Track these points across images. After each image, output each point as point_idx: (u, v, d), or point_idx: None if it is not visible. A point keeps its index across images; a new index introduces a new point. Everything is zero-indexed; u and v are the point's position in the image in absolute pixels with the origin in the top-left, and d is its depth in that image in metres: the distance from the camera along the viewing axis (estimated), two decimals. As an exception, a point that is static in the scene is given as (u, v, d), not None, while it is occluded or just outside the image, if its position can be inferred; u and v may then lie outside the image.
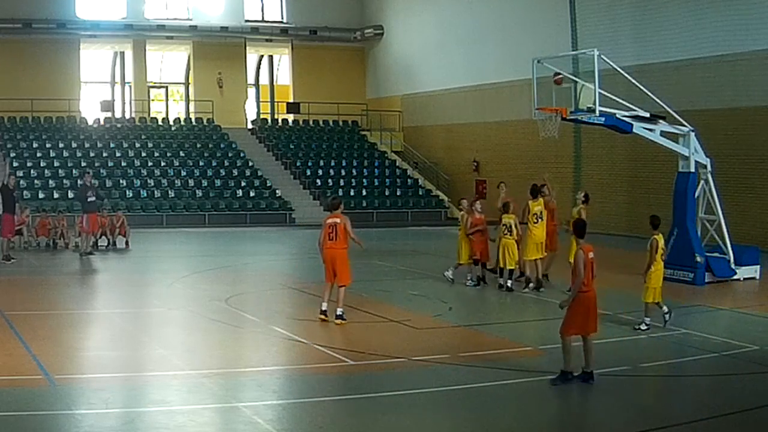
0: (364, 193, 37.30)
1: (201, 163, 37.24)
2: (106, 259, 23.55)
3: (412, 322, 14.56)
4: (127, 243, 25.07)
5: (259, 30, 42.85)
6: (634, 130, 18.92)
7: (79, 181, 26.53)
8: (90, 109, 40.88)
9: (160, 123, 41.31)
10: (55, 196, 32.33)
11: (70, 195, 32.20)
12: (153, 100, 43.83)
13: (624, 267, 22.27)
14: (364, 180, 38.32)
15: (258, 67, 46.49)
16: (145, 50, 41.61)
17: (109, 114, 40.85)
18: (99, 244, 24.33)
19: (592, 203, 31.10)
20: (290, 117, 43.91)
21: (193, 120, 41.95)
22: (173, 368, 11.57)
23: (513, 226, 17.06)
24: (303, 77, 44.03)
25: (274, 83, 46.81)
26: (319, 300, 14.76)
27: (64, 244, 24.54)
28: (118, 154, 36.65)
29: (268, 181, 36.69)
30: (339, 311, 14.02)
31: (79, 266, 21.63)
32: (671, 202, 19.68)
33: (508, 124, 35.13)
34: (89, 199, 23.06)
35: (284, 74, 46.08)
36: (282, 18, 43.78)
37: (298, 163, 38.73)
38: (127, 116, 41.50)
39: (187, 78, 44.20)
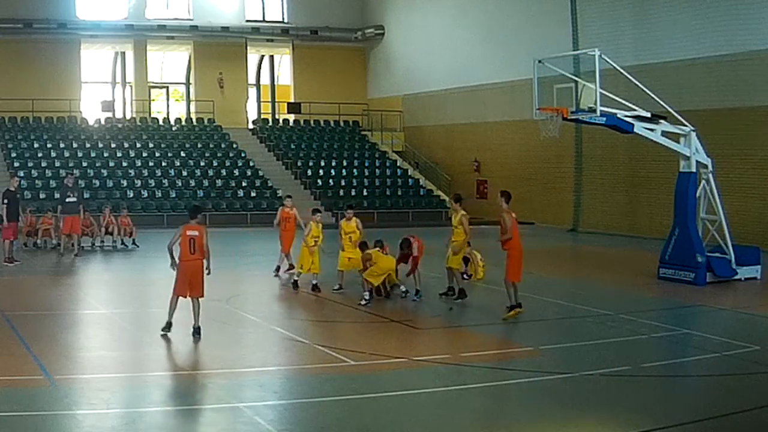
0: (365, 193, 37.30)
1: (202, 164, 37.25)
2: (107, 259, 23.57)
3: (412, 322, 14.56)
4: (134, 242, 25.13)
5: (260, 30, 42.88)
6: (635, 130, 18.92)
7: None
8: (91, 110, 40.94)
9: (160, 123, 41.34)
10: (56, 196, 32.29)
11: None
12: (154, 100, 43.88)
13: (624, 267, 22.32)
14: (365, 180, 38.32)
15: (259, 67, 46.51)
16: (145, 50, 41.66)
17: (109, 114, 40.89)
18: (90, 245, 24.36)
19: (594, 203, 31.43)
20: (291, 117, 43.96)
21: (194, 120, 41.98)
22: (174, 368, 11.57)
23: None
24: (304, 77, 44.07)
25: (275, 83, 46.82)
26: (316, 299, 14.72)
27: (53, 245, 24.50)
28: (118, 155, 36.67)
29: (269, 181, 36.70)
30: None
31: (79, 266, 21.63)
32: (672, 202, 19.66)
33: (509, 124, 35.15)
34: (67, 200, 22.97)
35: (285, 74, 46.12)
36: (283, 18, 43.81)
37: (299, 163, 38.73)
38: (128, 116, 41.52)
39: (187, 78, 44.23)
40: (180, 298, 12.98)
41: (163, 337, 12.83)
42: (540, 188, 33.76)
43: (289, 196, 21.22)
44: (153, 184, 34.96)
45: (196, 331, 12.84)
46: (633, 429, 9.02)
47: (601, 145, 29.96)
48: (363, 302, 15.63)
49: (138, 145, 37.76)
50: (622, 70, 19.21)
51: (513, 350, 12.77)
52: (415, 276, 16.45)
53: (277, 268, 19.44)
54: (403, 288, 16.54)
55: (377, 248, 16.28)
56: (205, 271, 13.04)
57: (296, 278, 17.59)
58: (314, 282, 17.25)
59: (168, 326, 12.96)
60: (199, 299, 12.96)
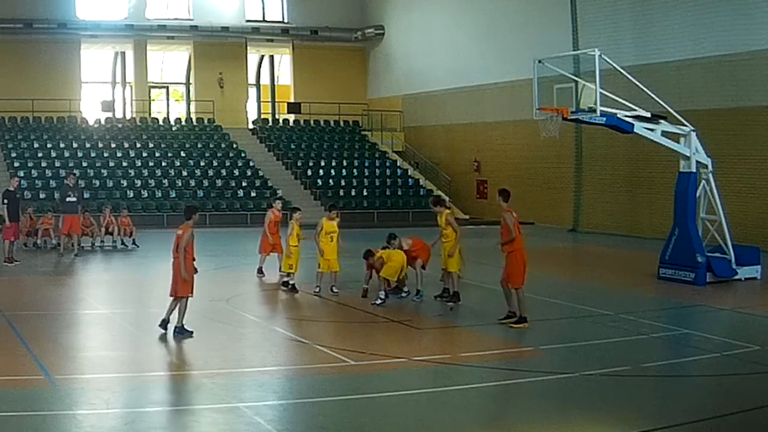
0: (365, 193, 37.30)
1: (202, 164, 37.25)
2: (107, 259, 23.57)
3: (412, 322, 14.56)
4: (134, 242, 25.13)
5: (260, 30, 42.89)
6: (636, 130, 18.92)
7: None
8: (91, 110, 40.93)
9: (160, 123, 41.34)
10: (56, 196, 32.31)
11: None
12: (154, 100, 43.88)
13: (624, 267, 22.33)
14: (365, 180, 38.32)
15: (259, 67, 46.52)
16: (145, 50, 41.66)
17: (109, 114, 40.89)
18: (90, 245, 24.39)
19: (594, 203, 31.42)
20: (291, 117, 43.96)
21: (193, 120, 41.98)
22: (174, 368, 11.57)
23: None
24: (304, 77, 44.06)
25: (275, 83, 46.83)
26: (318, 299, 14.76)
27: (53, 245, 24.52)
28: (118, 155, 36.68)
29: (269, 181, 36.71)
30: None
31: (79, 266, 21.64)
32: (672, 202, 19.67)
33: (509, 124, 35.15)
34: (68, 200, 23.00)
35: (285, 74, 46.13)
36: (283, 18, 43.81)
37: (299, 163, 38.74)
38: (128, 116, 41.52)
39: (187, 78, 44.24)
40: (187, 297, 13.05)
41: (163, 337, 12.83)
42: (540, 188, 33.76)
43: (279, 199, 21.24)
44: (153, 184, 34.97)
45: (174, 330, 12.88)
46: (633, 429, 9.03)
47: (601, 145, 29.96)
48: (378, 302, 15.58)
49: (138, 145, 37.76)
50: (622, 70, 19.21)
51: (513, 350, 12.77)
52: (417, 275, 16.42)
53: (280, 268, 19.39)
54: (382, 295, 16.25)
55: (389, 246, 16.23)
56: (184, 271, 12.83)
57: (291, 281, 17.59)
58: (288, 282, 17.38)
59: (163, 323, 13.02)
60: (181, 298, 12.89)
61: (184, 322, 12.92)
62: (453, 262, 15.89)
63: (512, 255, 13.93)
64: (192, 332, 12.91)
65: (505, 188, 14.70)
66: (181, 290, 12.90)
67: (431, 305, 15.99)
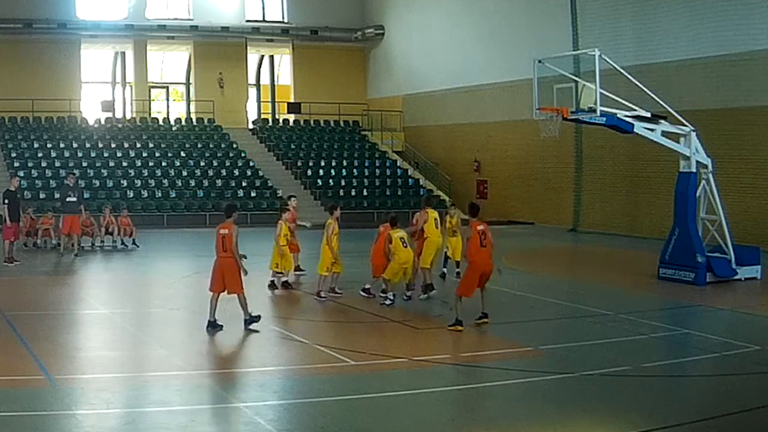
0: (364, 193, 37.30)
1: (202, 163, 37.25)
2: (107, 259, 23.55)
3: (412, 322, 14.56)
4: (134, 242, 25.12)
5: (260, 30, 42.89)
6: (636, 130, 18.92)
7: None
8: (91, 110, 40.93)
9: (160, 123, 41.34)
10: (56, 196, 32.29)
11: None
12: (154, 100, 43.87)
13: (624, 267, 22.33)
14: (365, 180, 38.32)
15: (259, 67, 46.53)
16: (145, 50, 41.66)
17: (109, 114, 40.88)
18: (90, 245, 24.37)
19: (594, 203, 31.43)
20: (291, 117, 43.96)
21: (193, 120, 41.98)
22: (174, 368, 11.56)
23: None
24: (304, 77, 44.08)
25: (275, 83, 46.83)
26: (318, 300, 14.80)
27: (53, 245, 24.50)
28: (118, 155, 36.67)
29: (269, 181, 36.71)
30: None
31: (79, 266, 21.63)
32: (672, 202, 19.66)
33: (509, 124, 35.13)
34: (68, 200, 22.99)
35: (285, 74, 46.13)
36: (283, 18, 43.81)
37: (299, 163, 38.74)
38: (128, 116, 41.52)
39: (187, 78, 44.24)
40: (219, 294, 13.44)
41: (163, 337, 12.84)
42: (540, 188, 33.74)
43: (293, 196, 21.21)
44: (153, 184, 34.96)
45: (245, 322, 13.46)
46: (633, 429, 9.03)
47: (601, 145, 29.95)
48: (387, 302, 15.61)
49: (138, 145, 37.76)
50: (622, 70, 19.21)
51: (513, 350, 12.76)
52: (416, 274, 16.39)
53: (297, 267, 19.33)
54: (391, 296, 16.20)
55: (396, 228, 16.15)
56: (241, 271, 13.44)
57: (285, 278, 17.59)
58: (273, 279, 17.45)
59: (210, 325, 13.29)
60: (240, 295, 13.46)
61: (250, 311, 13.53)
62: (424, 258, 16.32)
63: (470, 265, 13.87)
64: (259, 316, 13.59)
65: (474, 202, 15.10)
66: (235, 287, 13.40)
67: (431, 305, 15.99)
